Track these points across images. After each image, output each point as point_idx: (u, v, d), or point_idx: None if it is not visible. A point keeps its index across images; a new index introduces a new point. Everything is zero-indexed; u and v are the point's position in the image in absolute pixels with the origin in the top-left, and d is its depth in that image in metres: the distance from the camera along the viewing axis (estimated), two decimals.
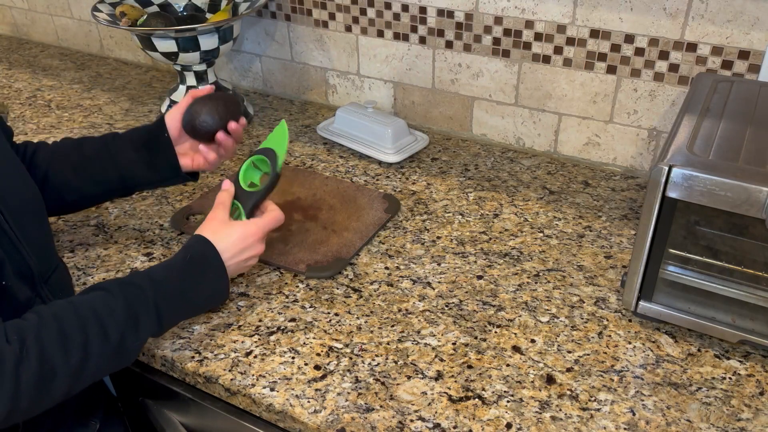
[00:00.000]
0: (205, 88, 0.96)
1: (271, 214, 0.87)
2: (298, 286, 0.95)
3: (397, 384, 0.80)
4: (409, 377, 0.81)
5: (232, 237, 0.81)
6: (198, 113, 0.91)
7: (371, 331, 0.87)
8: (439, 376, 0.81)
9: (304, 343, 0.86)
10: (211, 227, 0.82)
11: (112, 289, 0.72)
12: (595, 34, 1.13)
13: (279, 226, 1.03)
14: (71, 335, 0.66)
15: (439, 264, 0.99)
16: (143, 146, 0.93)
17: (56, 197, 0.92)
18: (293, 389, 0.79)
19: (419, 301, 0.92)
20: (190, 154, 0.96)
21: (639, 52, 1.11)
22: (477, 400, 0.78)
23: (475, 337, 0.86)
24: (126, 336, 0.70)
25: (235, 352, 0.85)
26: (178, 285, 0.76)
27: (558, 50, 1.18)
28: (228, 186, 0.88)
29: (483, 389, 0.79)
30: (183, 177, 0.96)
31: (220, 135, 0.93)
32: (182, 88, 1.37)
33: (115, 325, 0.69)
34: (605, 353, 0.84)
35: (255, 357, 0.84)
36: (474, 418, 0.75)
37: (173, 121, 0.94)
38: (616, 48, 1.13)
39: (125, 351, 0.71)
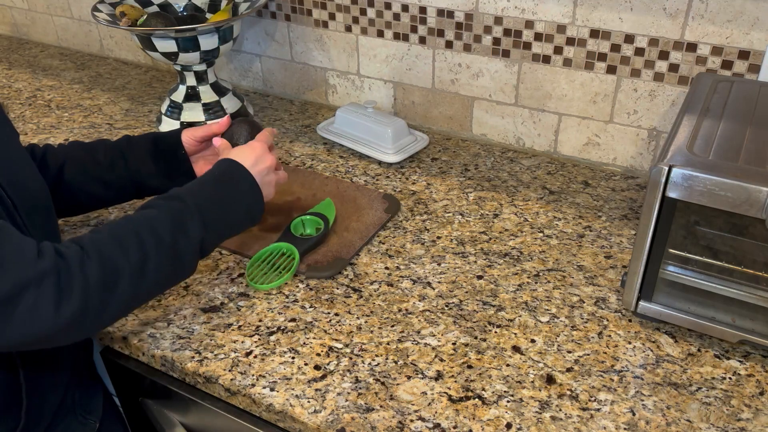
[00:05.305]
0: (224, 120, 1.00)
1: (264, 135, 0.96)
2: (298, 286, 0.95)
3: (397, 384, 0.80)
4: (409, 377, 0.81)
5: (245, 151, 0.89)
6: (239, 136, 0.99)
7: (371, 331, 0.87)
8: (439, 376, 0.81)
9: (304, 343, 0.86)
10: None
11: (155, 203, 0.78)
12: (595, 34, 1.13)
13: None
14: (126, 237, 0.70)
15: (439, 264, 0.99)
16: (162, 158, 0.98)
17: (68, 199, 0.95)
18: (293, 389, 0.79)
19: (419, 301, 0.92)
20: (201, 165, 1.02)
21: (639, 52, 1.11)
22: (477, 400, 0.78)
23: (475, 337, 0.86)
24: (178, 238, 0.74)
25: (235, 352, 0.85)
26: (215, 194, 0.82)
27: (558, 50, 1.18)
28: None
29: (483, 389, 0.79)
30: None
31: None
32: (182, 88, 1.37)
33: (166, 228, 0.73)
34: (605, 353, 0.84)
35: (255, 357, 0.84)
36: (474, 418, 0.75)
37: (189, 139, 1.00)
38: (616, 48, 1.13)
39: (180, 254, 0.75)
